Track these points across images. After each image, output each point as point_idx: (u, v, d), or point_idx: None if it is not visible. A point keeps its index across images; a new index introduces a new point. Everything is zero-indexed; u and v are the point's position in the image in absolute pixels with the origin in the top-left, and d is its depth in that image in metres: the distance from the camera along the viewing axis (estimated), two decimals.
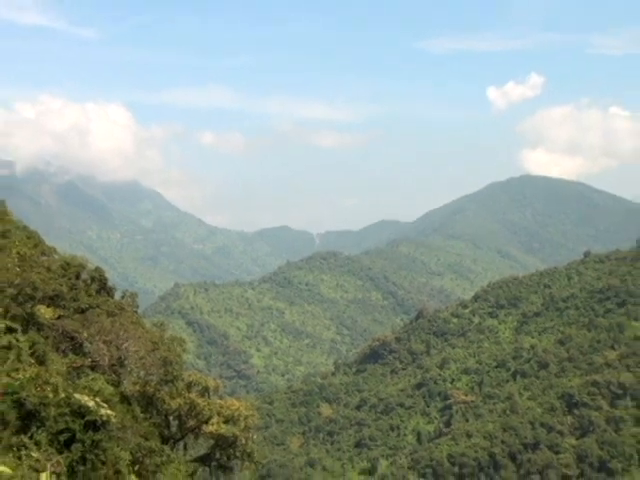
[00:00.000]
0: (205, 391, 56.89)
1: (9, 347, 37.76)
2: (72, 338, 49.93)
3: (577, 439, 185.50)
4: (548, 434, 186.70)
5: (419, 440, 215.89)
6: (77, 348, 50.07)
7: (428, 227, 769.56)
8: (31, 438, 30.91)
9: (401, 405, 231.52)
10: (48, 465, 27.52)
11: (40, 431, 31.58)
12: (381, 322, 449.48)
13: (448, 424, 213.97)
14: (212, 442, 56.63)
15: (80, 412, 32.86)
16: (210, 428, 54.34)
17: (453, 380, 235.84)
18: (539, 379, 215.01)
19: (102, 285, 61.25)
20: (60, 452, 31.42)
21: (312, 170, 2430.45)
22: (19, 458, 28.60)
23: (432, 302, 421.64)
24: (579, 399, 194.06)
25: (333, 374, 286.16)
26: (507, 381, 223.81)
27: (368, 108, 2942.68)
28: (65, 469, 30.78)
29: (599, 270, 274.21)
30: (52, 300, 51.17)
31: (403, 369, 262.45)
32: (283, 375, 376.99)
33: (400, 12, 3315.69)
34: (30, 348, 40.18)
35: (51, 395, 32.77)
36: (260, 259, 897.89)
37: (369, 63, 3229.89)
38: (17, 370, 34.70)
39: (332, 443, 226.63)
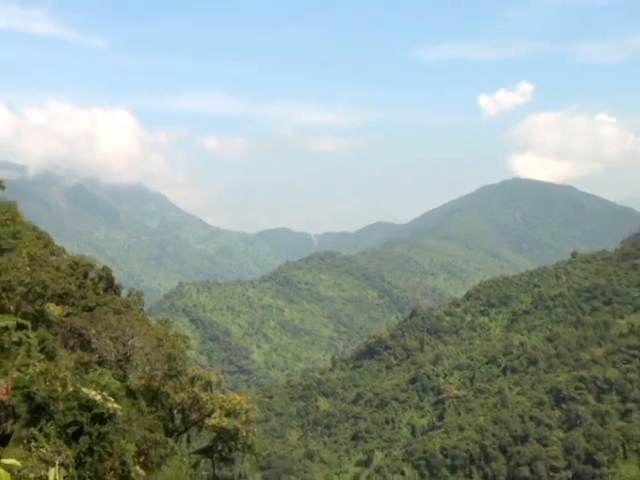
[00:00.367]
0: (208, 386, 56.93)
1: (20, 343, 37.75)
2: (80, 335, 49.96)
3: (565, 432, 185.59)
4: (537, 427, 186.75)
5: (413, 433, 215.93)
6: (85, 344, 50.11)
7: (422, 228, 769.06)
8: (40, 431, 30.91)
9: (396, 399, 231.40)
10: (57, 462, 27.46)
11: (49, 424, 31.59)
12: (377, 320, 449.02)
13: (441, 418, 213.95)
14: (214, 435, 56.67)
15: (87, 406, 32.86)
16: (212, 421, 54.37)
17: (446, 375, 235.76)
18: (528, 375, 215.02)
19: (109, 284, 61.27)
20: (68, 444, 31.41)
21: (311, 173, 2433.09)
22: (29, 450, 28.59)
23: (426, 301, 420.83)
24: (567, 394, 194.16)
25: (331, 370, 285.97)
26: (498, 376, 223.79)
27: (365, 114, 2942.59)
28: (73, 460, 30.77)
29: (586, 270, 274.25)
30: (61, 298, 51.17)
31: (398, 365, 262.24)
32: (282, 370, 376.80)
33: (395, 23, 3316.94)
34: (40, 344, 40.17)
35: (60, 389, 32.78)
36: (261, 259, 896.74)
37: (366, 71, 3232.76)
38: (27, 365, 34.71)
39: (329, 436, 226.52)
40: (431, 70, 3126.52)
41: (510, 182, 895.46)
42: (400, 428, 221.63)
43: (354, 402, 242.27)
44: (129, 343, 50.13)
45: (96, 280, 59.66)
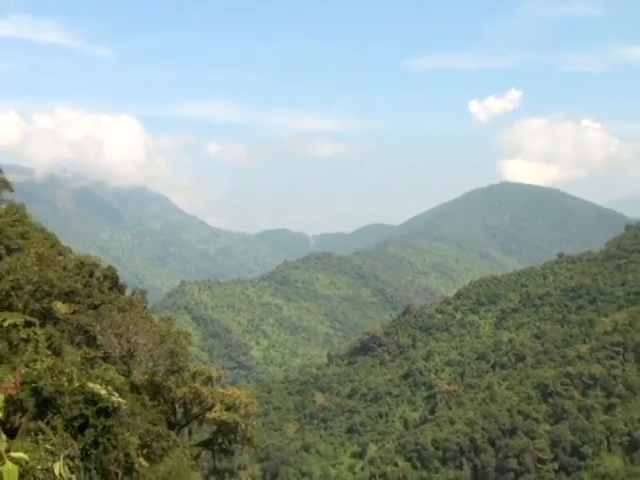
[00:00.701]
0: (209, 381, 56.92)
1: (28, 339, 37.74)
2: (86, 331, 49.92)
3: (551, 426, 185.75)
4: (524, 421, 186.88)
5: (405, 426, 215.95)
6: (90, 341, 50.07)
7: (415, 230, 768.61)
8: (48, 424, 30.91)
9: (389, 394, 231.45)
10: (61, 456, 27.42)
11: (56, 417, 31.58)
12: (371, 317, 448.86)
13: (432, 411, 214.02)
14: (215, 428, 56.63)
15: (93, 400, 32.86)
16: (213, 415, 54.35)
17: (437, 371, 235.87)
18: (516, 370, 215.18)
19: (114, 283, 61.19)
20: (74, 437, 31.41)
21: (309, 177, 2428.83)
22: (36, 442, 28.57)
23: (418, 299, 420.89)
24: (553, 389, 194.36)
25: (327, 365, 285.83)
26: (487, 372, 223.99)
27: (361, 121, 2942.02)
28: (79, 452, 30.76)
29: (572, 270, 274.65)
30: (67, 296, 51.12)
31: (391, 361, 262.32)
32: (280, 366, 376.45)
33: (389, 34, 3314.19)
34: (47, 340, 40.14)
35: (66, 384, 32.77)
36: (260, 259, 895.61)
37: (362, 80, 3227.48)
38: (35, 361, 34.70)
39: (325, 429, 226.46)
40: (423, 79, 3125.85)
41: (499, 186, 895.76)
42: (393, 421, 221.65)
43: (349, 396, 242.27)
44: (133, 340, 50.11)
45: (101, 279, 59.60)
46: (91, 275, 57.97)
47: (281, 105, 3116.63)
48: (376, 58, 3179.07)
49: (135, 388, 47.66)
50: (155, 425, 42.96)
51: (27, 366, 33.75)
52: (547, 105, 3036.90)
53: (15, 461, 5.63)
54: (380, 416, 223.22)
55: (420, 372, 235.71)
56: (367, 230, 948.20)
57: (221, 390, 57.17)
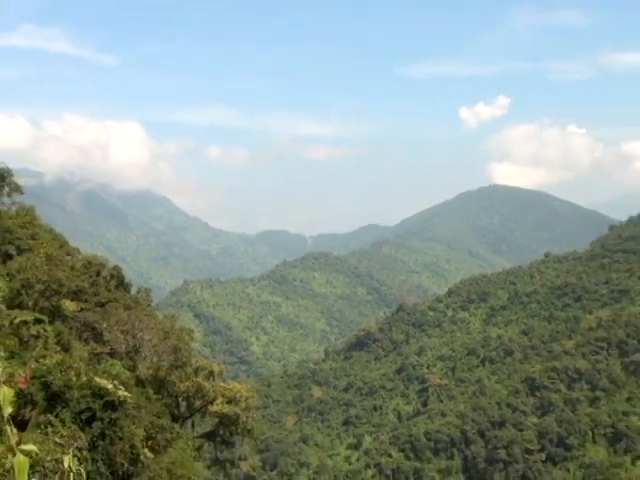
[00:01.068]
0: (210, 375, 56.91)
1: (37, 336, 37.73)
2: (93, 328, 49.90)
3: (538, 418, 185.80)
4: (513, 414, 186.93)
5: (399, 419, 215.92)
6: (97, 337, 50.06)
7: (408, 231, 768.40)
8: (57, 417, 30.89)
9: (383, 388, 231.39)
10: (71, 449, 27.43)
11: (64, 410, 31.57)
12: (366, 315, 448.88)
13: (425, 404, 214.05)
14: (216, 420, 56.66)
15: (100, 394, 32.84)
16: (215, 408, 54.36)
17: (429, 366, 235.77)
18: (505, 365, 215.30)
19: (120, 281, 61.22)
20: (82, 429, 31.39)
21: (307, 180, 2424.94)
22: (46, 435, 28.55)
23: (411, 297, 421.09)
24: (540, 383, 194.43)
25: (323, 360, 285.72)
26: (477, 367, 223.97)
27: (357, 125, 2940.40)
28: (86, 444, 30.74)
29: (558, 269, 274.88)
30: (75, 295, 51.11)
31: (385, 356, 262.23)
32: (279, 361, 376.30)
33: (384, 42, 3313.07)
34: (56, 337, 40.14)
35: (74, 378, 32.75)
36: (260, 259, 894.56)
37: (358, 86, 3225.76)
38: (44, 356, 34.69)
39: (322, 421, 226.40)
40: (416, 85, 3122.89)
41: (489, 188, 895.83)
42: (387, 414, 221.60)
43: (345, 390, 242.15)
44: (138, 336, 50.09)
45: (108, 278, 59.61)
46: (98, 274, 57.98)
47: (280, 109, 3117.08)
48: (371, 65, 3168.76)
49: (140, 382, 47.65)
50: (159, 418, 42.94)
51: (37, 361, 33.74)
52: (534, 111, 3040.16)
53: (26, 453, 5.63)
54: (375, 409, 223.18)
55: (413, 367, 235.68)
56: (362, 231, 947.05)
57: (222, 384, 57.19)
